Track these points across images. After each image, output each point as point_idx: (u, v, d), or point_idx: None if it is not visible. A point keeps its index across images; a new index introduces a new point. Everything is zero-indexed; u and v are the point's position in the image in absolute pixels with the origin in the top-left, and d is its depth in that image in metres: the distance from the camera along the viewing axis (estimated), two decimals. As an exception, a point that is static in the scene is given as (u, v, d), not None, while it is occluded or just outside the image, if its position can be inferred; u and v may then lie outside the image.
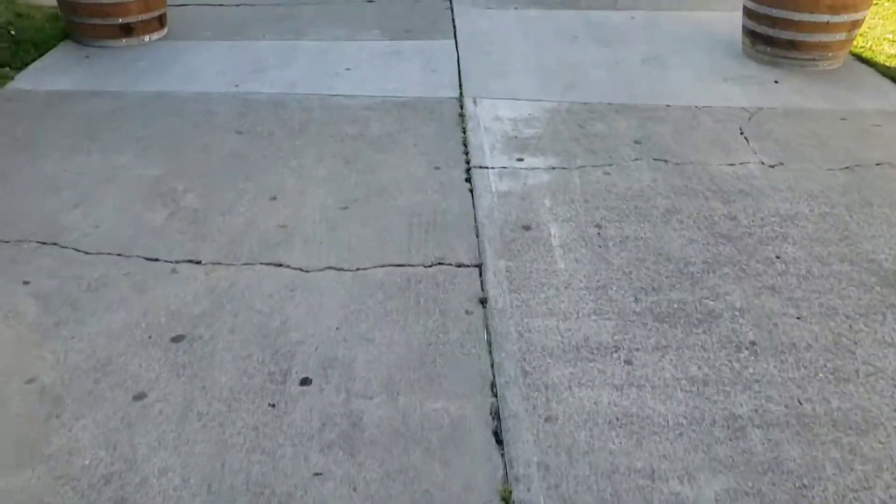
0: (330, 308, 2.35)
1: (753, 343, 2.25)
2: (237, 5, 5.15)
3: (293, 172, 3.09)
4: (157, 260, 2.55)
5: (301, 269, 2.52)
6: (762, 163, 3.23)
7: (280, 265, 2.54)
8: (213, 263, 2.54)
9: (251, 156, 3.22)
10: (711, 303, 2.41)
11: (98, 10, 4.13)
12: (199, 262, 2.54)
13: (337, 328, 2.27)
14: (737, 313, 2.36)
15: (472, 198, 2.94)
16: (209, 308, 2.33)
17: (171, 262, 2.54)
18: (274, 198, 2.91)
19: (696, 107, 3.72)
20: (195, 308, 2.33)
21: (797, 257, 2.63)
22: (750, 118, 3.62)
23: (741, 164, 3.22)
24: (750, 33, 4.24)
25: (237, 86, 3.86)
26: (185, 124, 3.48)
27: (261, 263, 2.54)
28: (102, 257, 2.56)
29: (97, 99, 3.72)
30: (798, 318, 2.35)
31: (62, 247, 2.60)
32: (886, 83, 4.04)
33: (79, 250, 2.59)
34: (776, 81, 4.01)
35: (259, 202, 2.88)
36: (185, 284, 2.43)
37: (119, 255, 2.57)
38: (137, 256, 2.56)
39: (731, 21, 4.85)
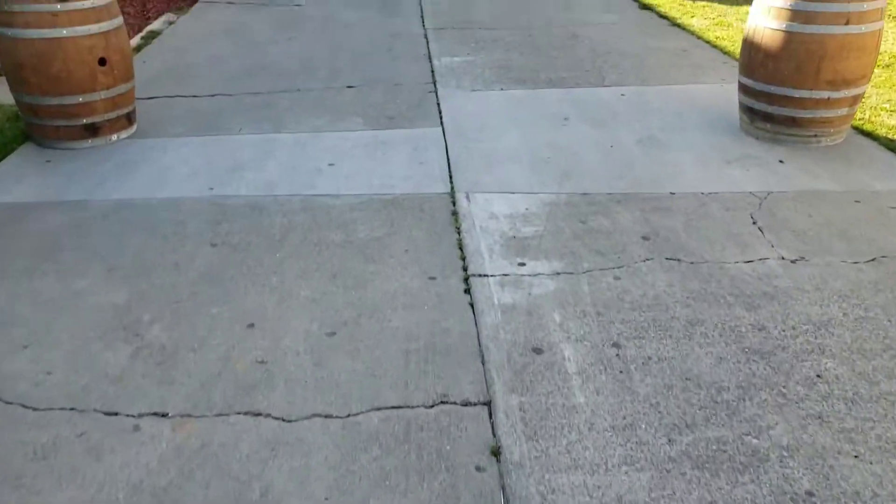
0: (318, 471, 2.01)
1: (811, 494, 1.95)
2: (211, 95, 4.92)
3: (273, 292, 2.79)
4: (116, 414, 2.20)
5: (283, 419, 2.18)
6: (782, 258, 3.00)
7: (259, 414, 2.20)
8: (182, 416, 2.19)
9: (226, 273, 2.91)
10: (755, 440, 2.12)
11: (60, 112, 3.86)
12: (165, 415, 2.19)
13: (326, 498, 1.92)
14: (785, 453, 2.07)
15: (474, 314, 2.65)
16: (177, 477, 1.98)
17: (132, 416, 2.19)
18: (251, 325, 2.60)
19: (703, 193, 3.51)
20: (161, 478, 1.98)
21: (839, 375, 2.36)
22: (760, 204, 3.42)
23: (760, 260, 2.98)
24: (748, 110, 4.11)
25: (211, 189, 3.59)
26: (153, 237, 3.17)
27: (236, 413, 2.20)
28: (54, 413, 2.20)
29: (56, 211, 3.40)
30: (855, 456, 2.06)
31: (6, 402, 2.25)
32: (894, 158, 3.89)
33: (26, 406, 2.23)
34: (781, 161, 3.84)
35: (235, 331, 2.56)
36: (148, 446, 2.08)
37: (73, 409, 2.22)
38: (94, 410, 2.21)
39: (722, 94, 4.75)
